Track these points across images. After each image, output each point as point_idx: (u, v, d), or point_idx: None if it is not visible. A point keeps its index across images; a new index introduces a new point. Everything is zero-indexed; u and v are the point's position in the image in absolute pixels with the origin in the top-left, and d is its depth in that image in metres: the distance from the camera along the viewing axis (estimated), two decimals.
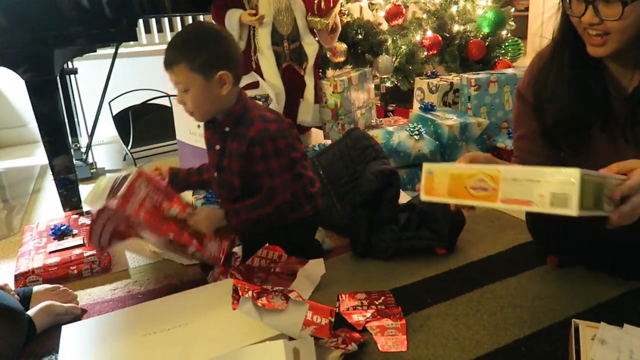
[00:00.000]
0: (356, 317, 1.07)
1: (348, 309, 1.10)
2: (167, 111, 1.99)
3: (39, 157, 2.70)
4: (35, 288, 1.18)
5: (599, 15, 0.90)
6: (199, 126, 1.86)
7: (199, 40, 1.16)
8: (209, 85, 1.16)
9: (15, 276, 1.30)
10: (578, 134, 1.07)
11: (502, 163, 0.92)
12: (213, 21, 2.11)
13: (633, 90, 1.00)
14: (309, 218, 1.31)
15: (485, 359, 0.94)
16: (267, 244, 1.21)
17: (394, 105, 2.91)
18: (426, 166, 0.83)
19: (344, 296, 1.16)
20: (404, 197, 1.58)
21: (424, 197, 0.84)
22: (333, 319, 0.94)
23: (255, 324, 0.92)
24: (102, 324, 1.00)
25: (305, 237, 1.35)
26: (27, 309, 1.09)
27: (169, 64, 1.16)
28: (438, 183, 0.81)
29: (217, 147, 1.27)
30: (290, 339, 0.90)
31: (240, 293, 0.92)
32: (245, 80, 2.07)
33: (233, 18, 2.04)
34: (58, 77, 1.60)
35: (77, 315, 1.15)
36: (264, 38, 2.08)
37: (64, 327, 0.98)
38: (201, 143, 1.88)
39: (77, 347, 0.92)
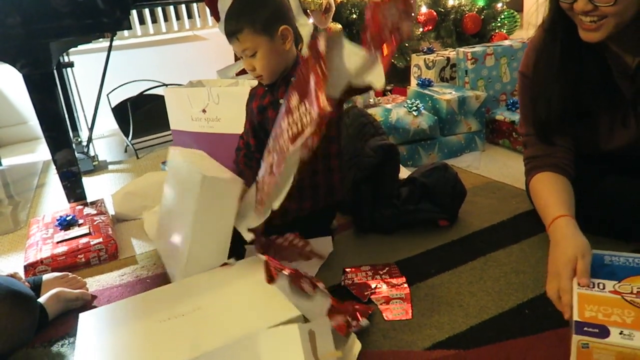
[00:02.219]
0: (361, 289, 1.08)
1: (353, 282, 1.12)
2: (164, 101, 1.98)
3: (41, 153, 2.71)
4: (45, 276, 1.20)
5: (592, 1, 0.88)
6: (203, 111, 1.84)
7: (252, 3, 1.19)
8: (273, 42, 1.19)
9: (25, 267, 1.31)
10: (580, 120, 1.05)
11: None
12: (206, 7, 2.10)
13: (635, 68, 0.99)
14: (333, 206, 1.34)
15: (490, 323, 0.96)
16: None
17: (392, 85, 2.90)
18: (578, 338, 0.73)
19: (348, 270, 1.17)
20: (404, 173, 1.58)
21: None
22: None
23: (268, 307, 0.93)
24: (118, 310, 1.00)
25: (327, 223, 1.36)
26: (38, 297, 1.10)
27: (232, 34, 1.18)
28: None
29: (282, 101, 1.27)
30: (306, 320, 0.91)
31: (273, 269, 0.99)
32: (241, 65, 2.06)
33: (226, 3, 2.03)
34: (55, 71, 1.60)
35: (88, 300, 1.17)
36: None
37: (81, 315, 0.99)
38: (207, 128, 1.87)
39: (94, 333, 0.93)
